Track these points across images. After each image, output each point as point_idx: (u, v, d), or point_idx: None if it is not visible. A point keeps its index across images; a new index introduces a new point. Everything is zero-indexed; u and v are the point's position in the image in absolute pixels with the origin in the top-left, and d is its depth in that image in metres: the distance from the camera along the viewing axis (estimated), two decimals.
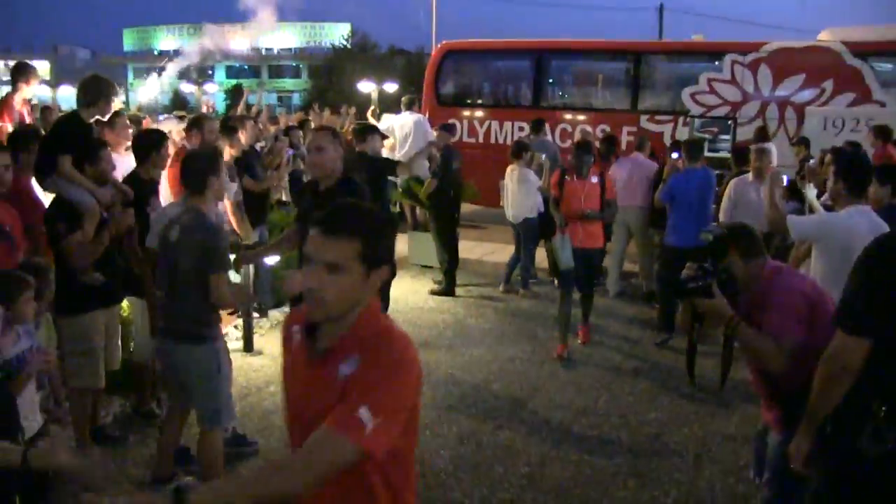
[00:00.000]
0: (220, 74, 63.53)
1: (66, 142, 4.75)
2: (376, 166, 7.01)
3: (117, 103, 6.07)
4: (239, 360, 6.20)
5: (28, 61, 6.91)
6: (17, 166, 4.78)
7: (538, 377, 6.26)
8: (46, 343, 3.89)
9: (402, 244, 10.30)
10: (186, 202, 3.99)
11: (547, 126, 11.04)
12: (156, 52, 65.82)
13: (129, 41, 71.31)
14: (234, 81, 52.99)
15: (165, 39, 68.09)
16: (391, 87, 18.94)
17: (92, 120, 5.16)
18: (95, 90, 5.05)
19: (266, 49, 65.91)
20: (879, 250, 2.51)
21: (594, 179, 7.02)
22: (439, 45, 15.04)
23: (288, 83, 64.43)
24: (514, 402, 5.73)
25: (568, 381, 6.19)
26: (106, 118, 5.47)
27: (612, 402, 5.82)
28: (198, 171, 3.92)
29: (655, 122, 12.30)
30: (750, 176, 7.20)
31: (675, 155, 7.89)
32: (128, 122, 6.56)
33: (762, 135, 10.06)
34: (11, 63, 7.55)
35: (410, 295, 8.68)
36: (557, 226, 6.85)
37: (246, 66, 65.45)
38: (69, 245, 4.33)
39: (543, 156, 8.82)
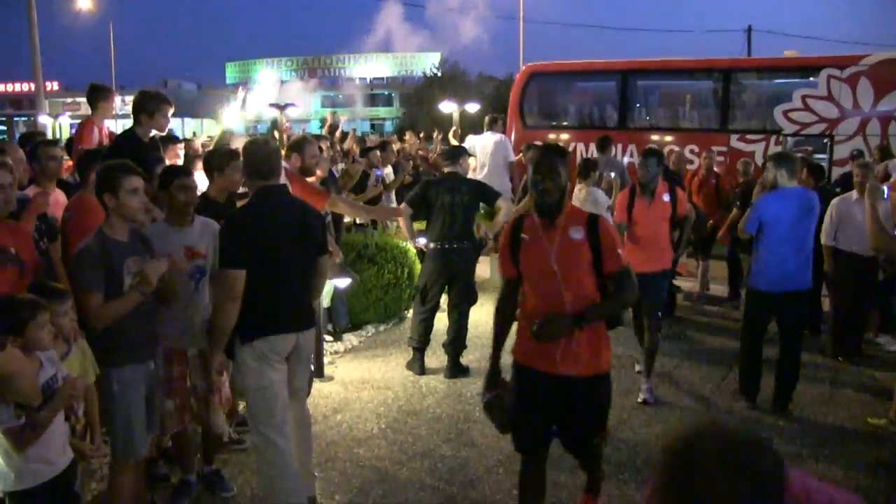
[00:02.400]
0: (315, 104, 65.19)
1: (119, 158, 4.78)
2: (474, 187, 6.90)
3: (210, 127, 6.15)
4: None
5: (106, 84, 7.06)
6: (85, 186, 4.93)
7: (622, 410, 5.77)
8: (81, 372, 3.67)
9: (485, 267, 10.18)
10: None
11: (625, 146, 10.81)
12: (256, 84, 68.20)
13: (231, 74, 74.09)
14: (328, 110, 54.22)
15: (264, 71, 70.41)
16: (473, 108, 18.84)
17: (150, 136, 5.16)
18: (137, 105, 5.14)
19: (360, 78, 67.37)
20: None
21: (666, 197, 6.08)
22: (524, 68, 14.96)
23: (381, 111, 65.54)
24: None
25: (655, 416, 5.72)
26: (164, 132, 5.46)
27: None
28: (96, 189, 3.71)
29: (746, 141, 11.86)
30: (854, 194, 6.78)
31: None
32: (178, 151, 6.68)
33: (887, 153, 9.48)
34: (127, 98, 7.75)
35: (491, 319, 8.49)
36: None
37: (341, 96, 66.96)
38: None
39: (613, 174, 8.59)
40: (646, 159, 6.05)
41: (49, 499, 3.19)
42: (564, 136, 13.65)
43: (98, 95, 6.63)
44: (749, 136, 11.92)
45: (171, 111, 5.51)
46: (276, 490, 3.98)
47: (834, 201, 6.93)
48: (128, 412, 3.71)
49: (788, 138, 11.74)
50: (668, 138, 12.55)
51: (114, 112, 6.92)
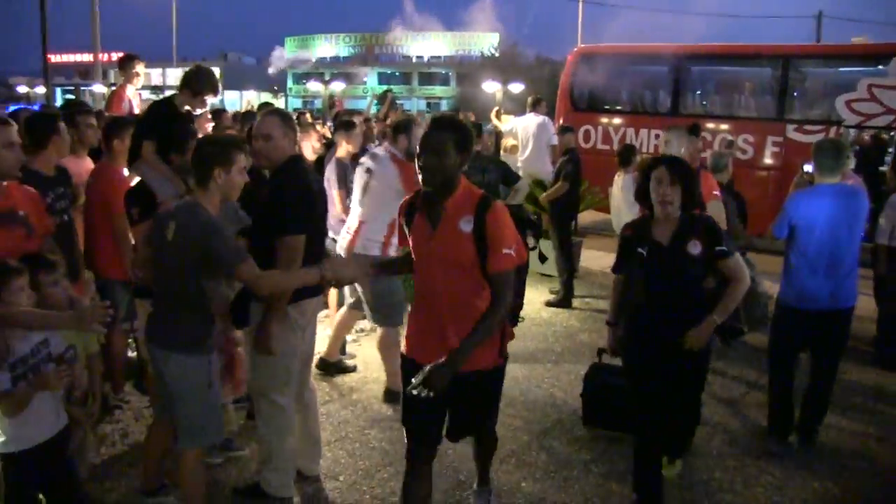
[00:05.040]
0: (372, 80, 65.30)
1: (153, 127, 4.72)
2: (500, 167, 6.85)
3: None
4: None
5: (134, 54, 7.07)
6: (108, 153, 4.92)
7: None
8: (81, 343, 3.63)
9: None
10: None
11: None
12: (313, 60, 68.54)
13: (290, 48, 74.56)
14: (384, 87, 54.28)
15: (322, 47, 70.71)
16: (517, 88, 18.44)
17: (185, 108, 5.12)
18: (184, 79, 5.08)
19: (417, 57, 67.23)
20: None
21: (465, 226, 3.16)
22: (575, 49, 14.65)
23: (437, 90, 65.37)
24: (616, 433, 5.03)
25: None
26: (198, 111, 5.39)
27: (731, 442, 5.06)
28: (203, 159, 3.45)
29: (804, 132, 11.34)
30: None
31: (807, 167, 5.55)
32: (209, 116, 6.64)
33: None
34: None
35: (524, 305, 8.32)
36: None
37: (397, 73, 66.97)
38: (136, 232, 4.16)
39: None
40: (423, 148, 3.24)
41: (40, 462, 3.19)
42: (615, 121, 13.38)
43: (124, 65, 6.66)
44: (807, 127, 11.43)
45: (211, 100, 5.48)
46: (276, 455, 4.01)
47: (891, 198, 6.52)
48: (216, 397, 3.66)
49: (850, 130, 11.22)
50: (723, 126, 12.15)
51: (139, 80, 6.93)
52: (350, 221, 5.52)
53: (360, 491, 4.27)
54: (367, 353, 6.40)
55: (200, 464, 3.68)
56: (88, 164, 5.34)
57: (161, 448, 3.94)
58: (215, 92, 5.26)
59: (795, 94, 12.21)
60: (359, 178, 5.46)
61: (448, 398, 3.26)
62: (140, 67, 6.79)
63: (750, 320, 4.15)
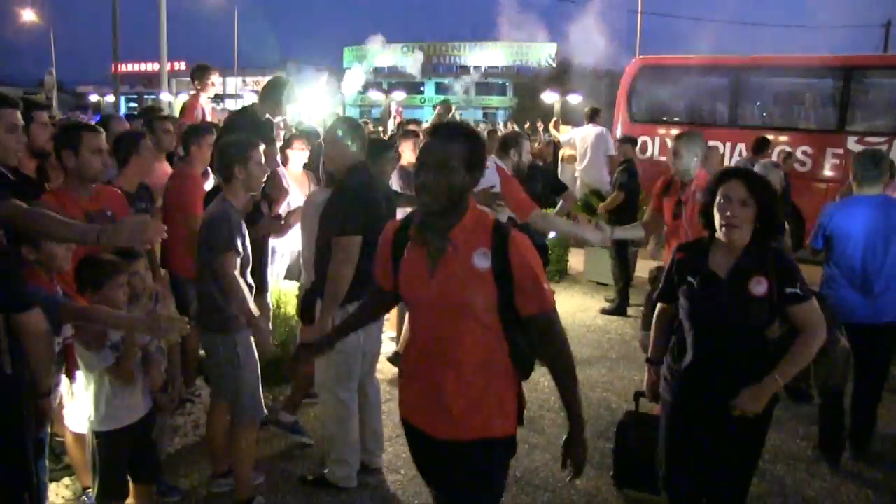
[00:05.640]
0: (430, 90, 65.77)
1: (236, 132, 4.99)
2: (548, 176, 6.96)
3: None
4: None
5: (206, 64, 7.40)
6: (186, 158, 5.21)
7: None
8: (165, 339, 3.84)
9: (578, 258, 10.15)
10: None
11: (734, 145, 10.39)
12: (371, 69, 69.32)
13: (348, 58, 75.46)
14: (441, 97, 54.57)
15: (381, 56, 71.36)
16: (575, 99, 18.48)
17: (265, 117, 5.39)
18: (265, 89, 5.34)
19: (474, 67, 67.46)
20: None
21: (481, 262, 2.53)
22: (633, 60, 14.70)
23: (494, 100, 65.43)
24: None
25: None
26: (276, 118, 5.68)
27: (781, 446, 5.08)
28: (224, 159, 3.85)
29: (865, 143, 11.20)
30: None
31: None
32: (281, 125, 6.94)
33: None
34: (249, 79, 8.00)
35: (579, 312, 8.46)
36: None
37: (454, 83, 67.26)
38: None
39: None
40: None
41: (128, 442, 3.45)
42: (674, 132, 13.35)
43: (197, 74, 6.99)
44: (869, 139, 11.27)
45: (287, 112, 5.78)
46: (339, 447, 4.26)
47: None
48: (254, 374, 3.92)
49: None
50: (782, 138, 12.07)
51: (212, 90, 7.26)
52: None
53: (420, 483, 4.43)
54: None
55: (247, 440, 3.95)
56: (166, 167, 5.66)
57: (222, 431, 4.19)
58: (294, 102, 5.56)
59: (857, 104, 12.07)
60: None
61: (445, 473, 2.75)
62: (214, 77, 7.13)
63: (822, 383, 3.63)
